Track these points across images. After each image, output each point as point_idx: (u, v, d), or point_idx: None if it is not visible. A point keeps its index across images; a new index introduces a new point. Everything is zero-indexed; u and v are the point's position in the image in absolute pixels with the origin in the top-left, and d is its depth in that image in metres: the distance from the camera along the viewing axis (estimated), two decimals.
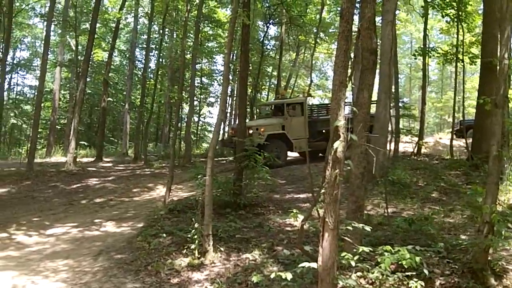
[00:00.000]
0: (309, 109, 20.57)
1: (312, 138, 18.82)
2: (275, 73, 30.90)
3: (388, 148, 12.99)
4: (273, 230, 9.18)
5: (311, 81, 31.84)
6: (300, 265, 5.46)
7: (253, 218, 10.15)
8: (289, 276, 5.45)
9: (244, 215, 10.22)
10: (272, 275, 5.68)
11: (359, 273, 5.93)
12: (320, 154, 18.02)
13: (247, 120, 15.25)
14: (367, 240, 7.05)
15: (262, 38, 27.60)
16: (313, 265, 5.19)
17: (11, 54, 38.57)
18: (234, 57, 27.05)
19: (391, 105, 15.81)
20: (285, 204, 11.37)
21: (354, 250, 5.66)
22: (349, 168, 6.00)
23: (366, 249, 5.60)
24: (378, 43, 7.49)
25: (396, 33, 15.90)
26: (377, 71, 10.43)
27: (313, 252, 5.89)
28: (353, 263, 5.49)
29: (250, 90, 25.18)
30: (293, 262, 6.94)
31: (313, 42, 29.49)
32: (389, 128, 13.03)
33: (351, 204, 6.82)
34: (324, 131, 19.29)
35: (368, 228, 5.92)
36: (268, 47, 31.64)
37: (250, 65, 22.58)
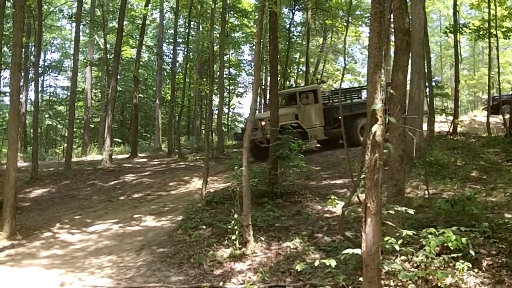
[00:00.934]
0: (325, 96, 19.95)
1: (328, 125, 18.28)
2: (303, 60, 30.68)
3: (424, 129, 12.78)
4: (312, 218, 9.16)
5: (345, 64, 31.48)
6: (344, 251, 5.44)
7: (290, 206, 10.14)
8: (333, 262, 5.44)
9: (282, 204, 10.22)
10: (316, 263, 5.67)
11: (403, 257, 5.87)
12: (341, 141, 17.68)
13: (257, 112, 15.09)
14: (409, 223, 6.97)
15: (288, 25, 27.40)
16: (357, 251, 5.16)
17: (42, 57, 39.32)
18: (262, 46, 26.94)
19: (425, 85, 15.49)
20: (322, 191, 11.32)
21: (397, 234, 5.61)
22: (387, 151, 5.94)
23: (410, 232, 5.54)
24: (409, 23, 7.33)
25: (425, 11, 15.57)
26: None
27: (355, 238, 5.85)
28: (397, 247, 5.45)
29: (279, 78, 25.08)
30: (334, 248, 6.93)
31: (340, 26, 29.18)
32: (424, 109, 12.81)
33: (391, 187, 6.75)
34: (340, 117, 18.77)
35: (411, 211, 5.85)
36: (295, 33, 31.42)
37: (278, 53, 22.47)
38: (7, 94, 30.03)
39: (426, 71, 15.02)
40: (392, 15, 6.60)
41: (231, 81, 38.41)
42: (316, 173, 13.66)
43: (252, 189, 9.92)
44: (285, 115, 17.35)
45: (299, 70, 32.81)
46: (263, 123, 16.98)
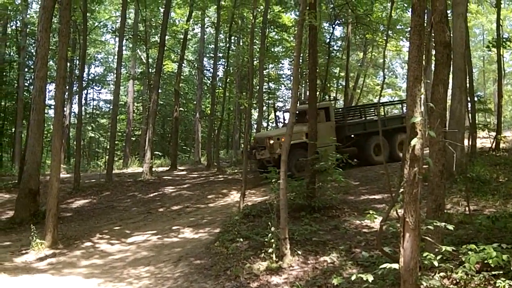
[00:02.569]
0: (338, 114, 19.16)
1: (340, 143, 16.84)
2: (342, 74, 30.57)
3: (465, 144, 12.51)
4: (349, 232, 9.08)
5: (384, 78, 31.14)
6: (381, 266, 5.37)
7: (328, 220, 10.07)
8: (370, 278, 5.38)
9: (319, 218, 10.15)
10: (353, 277, 5.61)
11: (442, 274, 5.74)
12: (355, 160, 16.62)
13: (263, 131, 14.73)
14: (448, 239, 6.82)
15: (328, 39, 27.38)
16: (395, 266, 5.09)
17: (86, 70, 40.51)
18: (301, 60, 27.01)
19: (467, 99, 15.17)
20: (360, 205, 11.20)
21: (436, 250, 5.50)
22: (426, 166, 5.85)
23: (449, 248, 5.43)
24: (450, 37, 7.25)
25: (467, 25, 15.30)
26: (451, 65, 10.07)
27: (393, 253, 5.76)
28: (435, 263, 5.34)
29: (318, 92, 25.05)
30: (372, 264, 6.84)
31: (380, 40, 28.97)
32: (466, 124, 12.53)
33: (430, 203, 6.62)
34: (353, 136, 17.89)
35: (450, 227, 5.73)
36: (335, 48, 31.38)
37: (317, 67, 22.47)
38: (52, 106, 31.04)
39: (467, 85, 14.72)
40: (432, 29, 6.53)
41: (270, 95, 38.57)
42: (355, 188, 13.54)
43: (290, 203, 9.91)
44: (295, 133, 16.66)
45: (339, 84, 32.69)
46: (271, 141, 16.52)
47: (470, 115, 16.50)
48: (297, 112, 18.18)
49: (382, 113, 20.55)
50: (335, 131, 17.46)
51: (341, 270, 6.95)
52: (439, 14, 6.47)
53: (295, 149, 16.08)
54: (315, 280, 6.76)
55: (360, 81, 35.03)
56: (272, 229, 7.97)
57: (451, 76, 9.82)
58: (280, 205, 8.02)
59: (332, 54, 28.54)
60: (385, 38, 27.52)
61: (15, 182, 19.94)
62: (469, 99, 15.68)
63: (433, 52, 7.38)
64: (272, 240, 7.84)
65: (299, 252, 7.90)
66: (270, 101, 38.69)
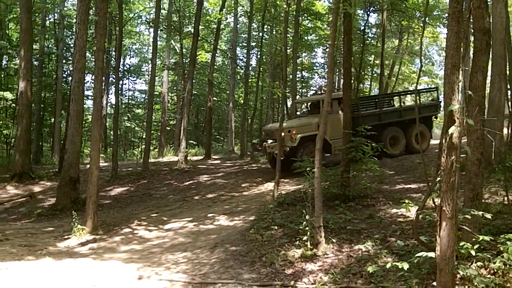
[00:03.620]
0: (352, 104, 18.37)
1: (354, 136, 16.32)
2: (377, 62, 30.19)
3: (504, 132, 12.26)
4: (384, 221, 9.05)
5: (421, 66, 30.64)
6: (417, 254, 5.36)
7: (363, 209, 10.06)
8: (405, 266, 5.38)
9: (354, 207, 10.15)
10: (388, 265, 5.63)
11: (479, 263, 5.69)
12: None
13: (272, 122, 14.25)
14: (486, 229, 6.74)
15: (362, 27, 27.04)
16: (431, 254, 5.07)
17: (121, 61, 41.11)
18: (336, 48, 26.78)
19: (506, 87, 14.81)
20: (395, 195, 11.13)
21: (473, 239, 5.46)
22: (464, 155, 5.79)
23: (487, 238, 5.37)
24: (489, 23, 7.10)
25: (508, 10, 14.89)
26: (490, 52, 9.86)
27: (429, 243, 5.74)
28: (472, 253, 5.30)
29: (352, 81, 24.80)
30: (408, 253, 6.82)
31: (416, 27, 28.46)
32: (505, 112, 12.27)
33: (468, 192, 6.55)
34: (368, 127, 16.77)
35: (488, 216, 5.67)
36: (370, 35, 30.95)
37: (352, 55, 22.20)
38: (89, 97, 31.70)
39: (507, 72, 14.38)
40: (471, 15, 6.42)
41: (303, 84, 38.42)
42: (390, 177, 13.45)
43: (324, 192, 9.93)
44: (306, 125, 16.34)
45: (374, 72, 32.31)
46: (282, 134, 15.54)
47: (510, 103, 16.12)
48: (310, 103, 18.08)
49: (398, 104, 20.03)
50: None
51: (376, 259, 6.95)
52: (478, 0, 6.36)
53: (307, 142, 15.63)
54: (349, 268, 6.79)
55: (395, 69, 34.54)
56: (307, 217, 8.02)
57: (490, 63, 9.60)
58: (314, 194, 8.06)
59: (367, 41, 28.18)
60: (421, 24, 27.02)
61: (55, 170, 20.55)
62: (509, 86, 15.31)
63: (472, 38, 7.25)
64: (307, 228, 7.90)
65: (334, 240, 7.93)
66: (303, 90, 38.54)
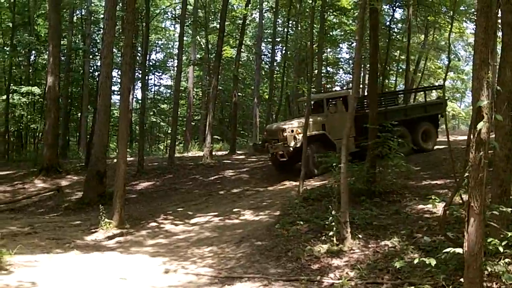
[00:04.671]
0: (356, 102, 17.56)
1: (359, 136, 15.24)
2: (403, 57, 29.87)
3: None
4: (411, 217, 8.99)
5: (449, 61, 30.19)
6: (445, 250, 5.34)
7: (389, 205, 10.00)
8: (432, 261, 5.36)
9: (380, 203, 10.11)
10: (415, 261, 5.62)
11: (507, 260, 5.64)
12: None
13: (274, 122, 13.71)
14: None
15: (388, 22, 26.79)
16: (459, 250, 5.06)
17: (148, 57, 41.47)
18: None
19: None
20: (421, 191, 11.02)
21: (501, 235, 5.41)
22: (492, 151, 5.73)
23: None
24: None
25: None
26: None
27: (456, 239, 5.72)
28: (501, 249, 5.25)
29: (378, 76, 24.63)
30: (434, 249, 6.79)
31: (442, 22, 28.05)
32: None
33: (495, 188, 6.48)
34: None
35: None
36: (395, 30, 30.64)
37: (378, 51, 22.00)
38: (115, 92, 32.07)
39: None
40: (499, 10, 6.34)
41: (328, 80, 38.25)
42: (416, 173, 13.33)
43: (350, 187, 9.89)
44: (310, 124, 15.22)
45: (399, 68, 31.99)
46: (285, 134, 15.30)
47: None
48: (313, 102, 16.95)
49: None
50: (354, 122, 15.92)
51: (402, 255, 6.94)
52: None
53: (311, 142, 14.74)
54: (376, 264, 6.81)
55: (421, 64, 34.12)
56: (333, 212, 8.04)
57: None
58: (340, 189, 8.07)
59: (392, 37, 27.91)
60: (447, 20, 26.63)
61: (82, 164, 20.89)
62: None
63: (500, 33, 7.17)
64: (333, 223, 7.92)
65: (360, 236, 7.94)
66: (328, 86, 38.35)
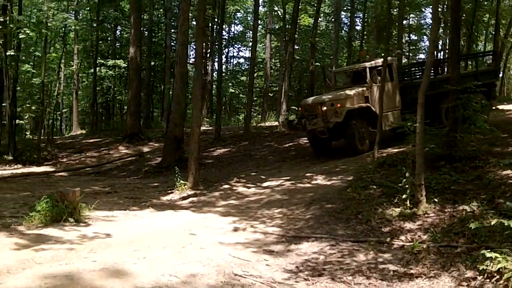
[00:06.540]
0: (401, 71, 15.93)
1: (406, 108, 13.93)
2: (493, 22, 28.00)
3: None
4: (493, 183, 8.42)
5: None
6: None
7: (470, 171, 9.40)
8: None
9: (460, 168, 9.52)
10: (493, 222, 5.26)
11: None
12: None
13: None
14: None
15: None
16: None
17: (227, 29, 41.83)
18: (445, 7, 25.25)
19: None
20: (508, 157, 10.32)
21: None
22: None
23: None
24: None
25: None
26: None
27: None
28: None
29: (464, 41, 23.28)
30: None
31: None
32: None
33: None
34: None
35: None
36: None
37: (464, 14, 20.75)
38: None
39: None
40: None
41: (411, 47, 36.74)
42: (502, 140, 12.51)
43: (428, 152, 9.44)
44: (351, 97, 14.15)
45: (488, 32, 30.08)
46: (324, 108, 13.92)
47: None
48: (353, 72, 15.71)
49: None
50: (399, 93, 14.77)
51: (481, 219, 6.52)
52: None
53: (354, 116, 13.79)
54: (451, 228, 6.46)
55: None
56: (407, 174, 7.69)
57: None
58: (416, 151, 7.70)
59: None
60: None
61: (163, 133, 21.57)
62: None
63: None
64: (406, 186, 7.60)
65: (436, 200, 7.55)
66: (410, 54, 36.86)
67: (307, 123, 14.27)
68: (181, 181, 10.90)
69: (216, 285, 5.01)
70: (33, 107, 22.64)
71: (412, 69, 16.63)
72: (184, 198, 10.29)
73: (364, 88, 14.33)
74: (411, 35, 36.03)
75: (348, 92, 14.30)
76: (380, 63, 14.12)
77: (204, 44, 32.59)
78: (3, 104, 19.44)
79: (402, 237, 6.45)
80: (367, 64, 14.89)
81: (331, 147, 15.02)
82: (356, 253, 6.18)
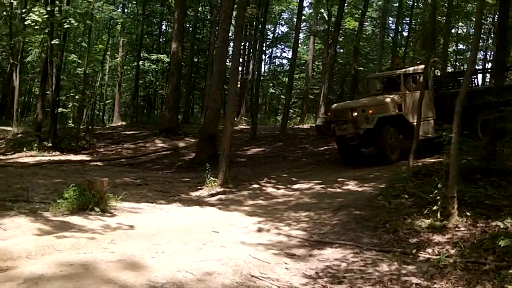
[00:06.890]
0: (438, 81, 15.57)
1: (439, 119, 13.06)
2: None
3: None
4: None
5: None
6: None
7: (508, 186, 9.06)
8: None
9: (497, 183, 9.14)
10: None
11: None
12: None
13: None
14: None
15: None
16: None
17: (272, 29, 41.80)
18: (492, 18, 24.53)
19: None
20: None
21: None
22: None
23: None
24: None
25: None
26: None
27: None
28: None
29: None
30: None
31: None
32: None
33: None
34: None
35: None
36: None
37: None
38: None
39: None
40: None
41: (457, 57, 35.85)
42: None
43: (464, 165, 9.13)
44: (384, 104, 13.76)
45: None
46: (355, 113, 13.63)
47: None
48: (386, 79, 15.28)
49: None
50: (434, 103, 14.26)
51: None
52: None
53: (386, 124, 13.41)
54: (481, 243, 6.19)
55: None
56: (439, 185, 7.44)
57: None
58: (450, 162, 7.44)
59: None
60: None
61: (200, 129, 21.73)
62: None
63: None
64: (438, 198, 7.35)
65: (468, 214, 7.26)
66: (457, 63, 35.96)
67: (337, 128, 14.03)
68: (211, 178, 10.93)
69: (231, 285, 4.94)
70: (77, 97, 23.14)
71: (450, 79, 16.08)
72: (212, 195, 10.31)
73: (398, 96, 13.95)
74: (459, 44, 35.14)
75: (380, 98, 14.04)
76: (413, 70, 14.13)
77: (247, 43, 32.88)
78: (47, 92, 19.92)
79: (429, 250, 6.24)
80: (402, 71, 14.54)
81: (360, 155, 14.72)
82: (380, 262, 6.01)
